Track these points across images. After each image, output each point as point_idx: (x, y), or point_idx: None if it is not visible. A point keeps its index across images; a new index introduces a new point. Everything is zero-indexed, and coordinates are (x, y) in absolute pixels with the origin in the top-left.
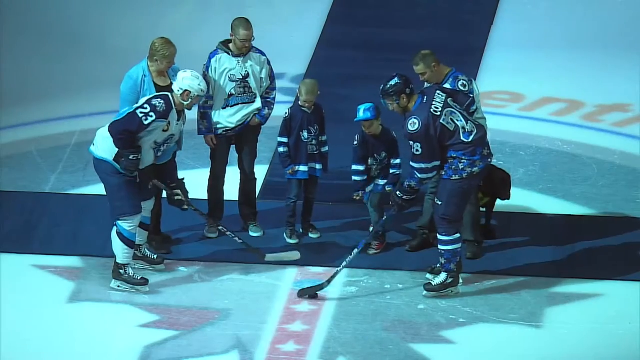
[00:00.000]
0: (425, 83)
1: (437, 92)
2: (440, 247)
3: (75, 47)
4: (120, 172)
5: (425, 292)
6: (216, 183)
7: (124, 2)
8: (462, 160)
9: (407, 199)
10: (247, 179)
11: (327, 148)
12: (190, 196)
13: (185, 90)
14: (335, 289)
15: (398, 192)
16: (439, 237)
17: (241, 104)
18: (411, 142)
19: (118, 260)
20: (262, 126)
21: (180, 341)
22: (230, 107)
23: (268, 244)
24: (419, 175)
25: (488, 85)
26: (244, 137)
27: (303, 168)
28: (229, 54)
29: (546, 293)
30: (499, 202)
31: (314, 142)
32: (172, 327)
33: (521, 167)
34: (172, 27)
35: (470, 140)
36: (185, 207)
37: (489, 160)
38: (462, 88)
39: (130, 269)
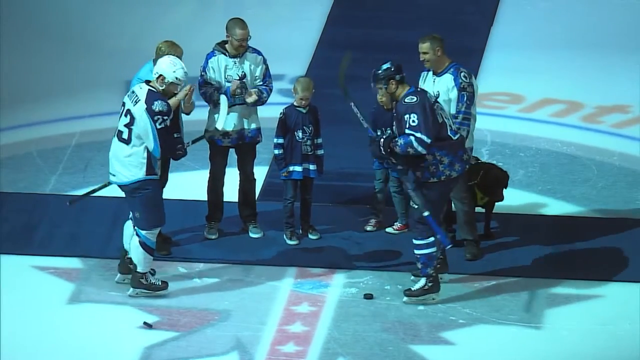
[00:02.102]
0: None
1: (428, 92)
2: (415, 251)
3: (75, 47)
4: (155, 181)
5: (405, 299)
6: (215, 184)
7: (123, 3)
8: (443, 162)
9: (384, 154)
10: (247, 180)
11: (322, 151)
12: (191, 197)
13: (160, 75)
14: (334, 290)
15: (382, 144)
16: (414, 241)
17: (238, 104)
18: (406, 115)
19: (140, 270)
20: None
21: (180, 342)
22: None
23: (268, 245)
24: (410, 141)
25: (488, 86)
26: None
27: (297, 168)
28: (225, 54)
29: (546, 294)
30: (498, 202)
31: (308, 142)
32: (172, 328)
33: (521, 168)
34: (171, 28)
35: (455, 138)
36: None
37: (467, 165)
38: (463, 79)
39: (150, 276)
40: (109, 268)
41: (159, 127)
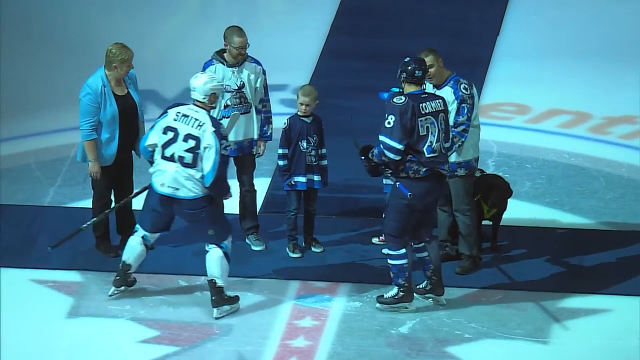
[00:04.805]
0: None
1: (440, 100)
2: (388, 261)
3: (75, 57)
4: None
5: (377, 305)
6: None
7: (123, 11)
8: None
9: (365, 163)
10: (247, 191)
11: (326, 162)
12: None
13: (212, 94)
14: (338, 304)
15: (362, 156)
16: (384, 251)
17: (240, 113)
18: (387, 114)
19: (222, 283)
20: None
21: (180, 357)
22: (227, 117)
23: (270, 258)
24: (382, 149)
25: (494, 96)
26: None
27: (301, 179)
28: (223, 64)
29: (553, 308)
30: (506, 215)
31: (312, 152)
32: (173, 343)
33: (528, 180)
34: (172, 36)
35: (428, 156)
36: None
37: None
38: (463, 91)
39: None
40: (109, 282)
41: (223, 152)
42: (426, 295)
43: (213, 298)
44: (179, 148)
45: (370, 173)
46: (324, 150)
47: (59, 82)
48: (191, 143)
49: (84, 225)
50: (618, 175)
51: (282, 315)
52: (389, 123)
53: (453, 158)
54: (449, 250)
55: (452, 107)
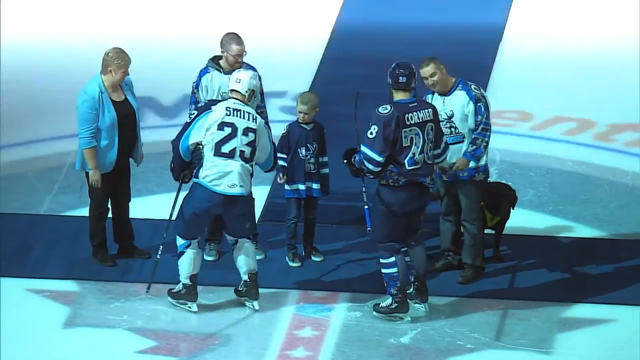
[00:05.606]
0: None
1: (430, 109)
2: (381, 269)
3: (73, 62)
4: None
5: (374, 313)
6: None
7: (122, 17)
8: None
9: (347, 166)
10: None
11: (327, 170)
12: None
13: (252, 90)
14: (338, 314)
15: (345, 159)
16: (380, 259)
17: None
18: (370, 123)
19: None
20: None
21: None
22: None
23: (270, 267)
24: (363, 159)
25: (497, 103)
26: None
27: (300, 187)
28: (220, 71)
29: (556, 318)
30: (508, 224)
31: (311, 160)
32: (171, 353)
33: (531, 188)
34: (168, 42)
35: (408, 168)
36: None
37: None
38: (476, 91)
39: None
40: (105, 291)
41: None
42: (414, 301)
43: (253, 291)
44: (240, 142)
45: (353, 175)
46: (325, 159)
47: (55, 90)
48: (251, 136)
49: (159, 255)
50: (622, 183)
51: (282, 325)
52: (371, 134)
53: (472, 164)
54: (451, 259)
55: (469, 109)
